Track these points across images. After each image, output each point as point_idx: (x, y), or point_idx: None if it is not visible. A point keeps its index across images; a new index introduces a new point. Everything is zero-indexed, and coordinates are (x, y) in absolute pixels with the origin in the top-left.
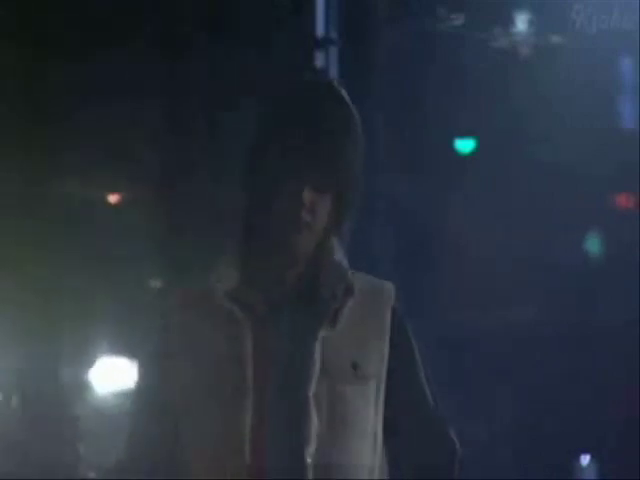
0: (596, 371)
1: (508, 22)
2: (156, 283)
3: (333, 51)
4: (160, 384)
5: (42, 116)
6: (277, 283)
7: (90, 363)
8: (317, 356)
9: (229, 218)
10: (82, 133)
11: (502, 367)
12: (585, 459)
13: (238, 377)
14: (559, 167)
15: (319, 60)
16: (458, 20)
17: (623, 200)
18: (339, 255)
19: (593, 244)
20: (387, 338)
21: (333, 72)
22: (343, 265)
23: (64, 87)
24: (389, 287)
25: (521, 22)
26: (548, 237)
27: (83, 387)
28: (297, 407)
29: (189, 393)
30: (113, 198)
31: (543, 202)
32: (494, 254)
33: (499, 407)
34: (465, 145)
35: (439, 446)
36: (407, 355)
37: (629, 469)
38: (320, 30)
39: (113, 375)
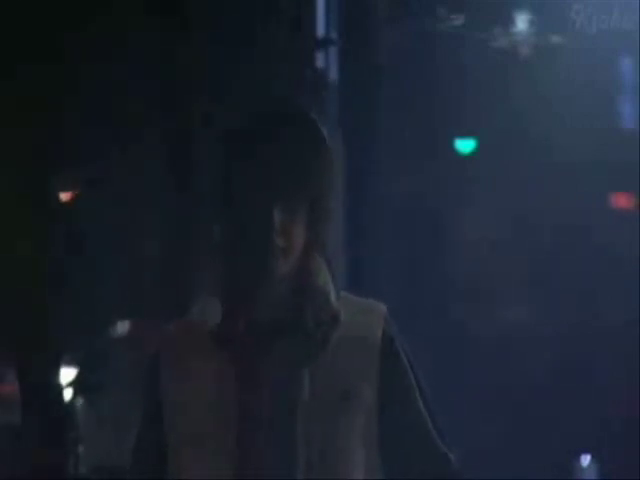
0: (596, 371)
1: (508, 22)
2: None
3: (333, 51)
4: (151, 418)
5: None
6: (259, 312)
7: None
8: (305, 388)
9: (204, 250)
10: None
11: (502, 367)
12: (585, 459)
13: (223, 413)
14: (559, 167)
15: (319, 60)
16: (458, 20)
17: (623, 200)
18: (324, 277)
19: (593, 244)
20: (378, 363)
21: (333, 72)
22: (327, 289)
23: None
24: (379, 309)
25: (521, 22)
26: (548, 237)
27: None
28: (286, 442)
29: (176, 430)
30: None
31: (543, 202)
32: (494, 253)
33: (499, 407)
34: (465, 145)
35: (436, 469)
36: (401, 380)
37: (629, 469)
38: (320, 30)
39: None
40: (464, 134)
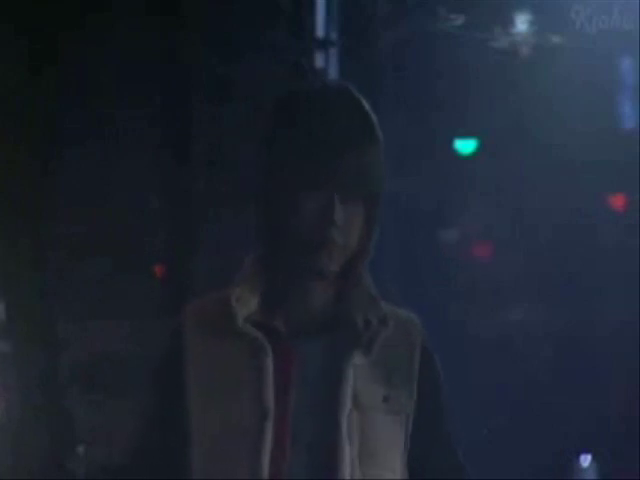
0: (596, 371)
1: (508, 22)
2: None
3: (333, 51)
4: (171, 407)
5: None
6: (301, 304)
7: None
8: (349, 385)
9: (250, 234)
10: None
11: (502, 367)
12: (585, 459)
13: (258, 407)
14: (559, 167)
15: (319, 60)
16: (458, 20)
17: (623, 200)
18: (368, 278)
19: (593, 244)
20: (416, 374)
21: (333, 72)
22: (374, 291)
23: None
24: (417, 320)
25: (521, 22)
26: (548, 237)
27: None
28: (326, 438)
29: (201, 421)
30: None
31: (543, 202)
32: (494, 255)
33: (498, 407)
34: (466, 146)
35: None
36: (434, 394)
37: (629, 469)
38: (320, 30)
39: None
40: (464, 134)
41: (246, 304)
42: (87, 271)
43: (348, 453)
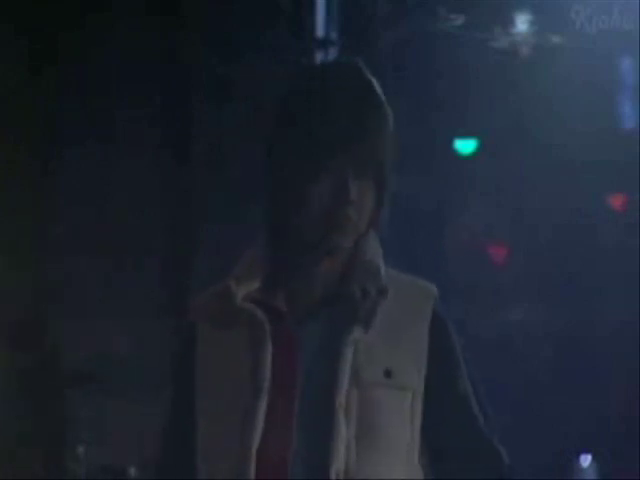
0: (596, 371)
1: (508, 22)
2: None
3: (333, 51)
4: (183, 390)
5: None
6: (304, 282)
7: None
8: (348, 361)
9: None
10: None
11: (501, 367)
12: (585, 459)
13: (253, 386)
14: (559, 167)
15: (319, 60)
16: (458, 20)
17: (623, 200)
18: (375, 250)
19: (593, 243)
20: (426, 345)
21: None
22: (376, 262)
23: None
24: (429, 288)
25: (521, 22)
26: (548, 237)
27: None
28: (324, 417)
29: (207, 400)
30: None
31: (543, 202)
32: (494, 255)
33: (498, 407)
34: (466, 146)
35: (488, 466)
36: (449, 364)
37: (629, 469)
38: (320, 30)
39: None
40: (464, 134)
41: (245, 284)
42: (87, 271)
43: (344, 435)
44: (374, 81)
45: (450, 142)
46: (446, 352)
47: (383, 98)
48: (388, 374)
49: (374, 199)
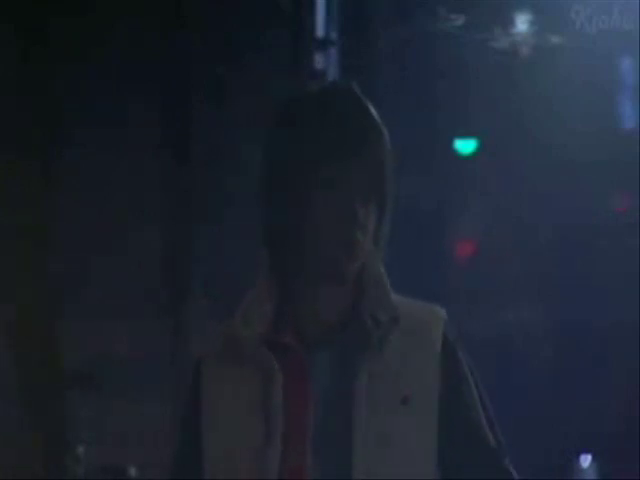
0: (596, 371)
1: (508, 22)
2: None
3: (333, 51)
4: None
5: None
6: (312, 311)
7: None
8: (364, 390)
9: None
10: None
11: (501, 367)
12: (585, 459)
13: (265, 428)
14: (559, 167)
15: (319, 60)
16: (458, 20)
17: (623, 200)
18: (380, 272)
19: (593, 243)
20: (438, 369)
21: (333, 72)
22: (384, 286)
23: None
24: (438, 312)
25: (521, 22)
26: (548, 237)
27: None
28: (340, 447)
29: (218, 445)
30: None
31: (543, 202)
32: (494, 254)
33: (498, 407)
34: (466, 146)
35: None
36: (461, 387)
37: (629, 469)
38: (320, 30)
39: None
40: (464, 134)
41: (252, 324)
42: (87, 271)
43: (362, 465)
44: (369, 105)
45: (450, 142)
46: (458, 378)
47: (379, 121)
48: (405, 401)
49: (376, 219)
